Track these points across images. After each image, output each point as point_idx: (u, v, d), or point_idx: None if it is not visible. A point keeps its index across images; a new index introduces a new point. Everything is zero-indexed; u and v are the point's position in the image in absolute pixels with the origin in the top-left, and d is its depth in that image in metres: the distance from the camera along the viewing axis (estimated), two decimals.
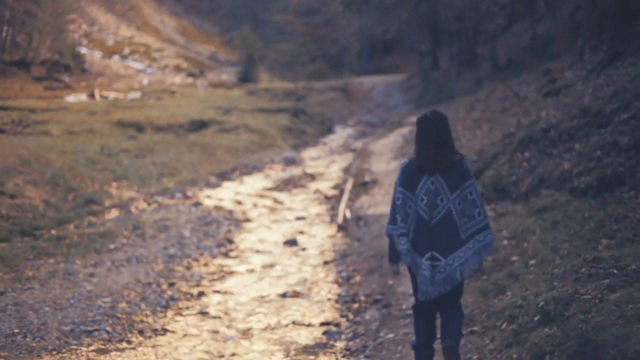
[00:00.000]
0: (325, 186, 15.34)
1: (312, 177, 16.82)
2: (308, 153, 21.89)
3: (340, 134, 27.54)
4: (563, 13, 28.17)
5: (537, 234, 6.86)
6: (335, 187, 15.10)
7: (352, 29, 43.44)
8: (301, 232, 10.83)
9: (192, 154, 17.76)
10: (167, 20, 54.48)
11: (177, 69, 44.18)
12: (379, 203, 12.06)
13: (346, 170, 17.66)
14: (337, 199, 13.63)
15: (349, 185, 14.30)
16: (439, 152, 4.21)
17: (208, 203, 12.86)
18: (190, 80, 40.15)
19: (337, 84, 37.90)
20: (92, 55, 42.59)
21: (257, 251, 9.57)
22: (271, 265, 8.72)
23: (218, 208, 12.43)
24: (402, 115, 29.01)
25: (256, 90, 35.65)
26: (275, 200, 13.56)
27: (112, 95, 31.07)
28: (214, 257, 9.05)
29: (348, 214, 11.73)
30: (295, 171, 17.77)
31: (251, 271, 8.49)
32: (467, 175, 4.26)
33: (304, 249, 9.66)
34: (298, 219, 11.92)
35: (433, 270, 4.20)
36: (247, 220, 11.68)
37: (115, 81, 38.02)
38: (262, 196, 14.04)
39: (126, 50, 45.02)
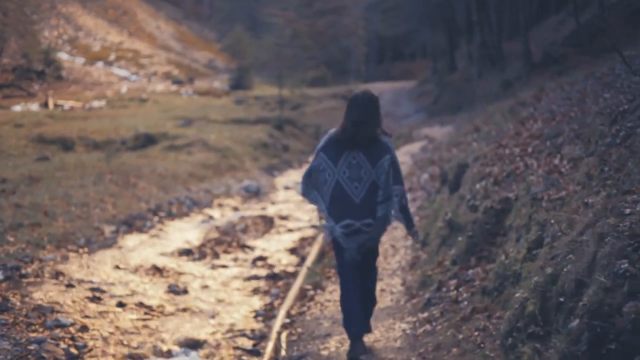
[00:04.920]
0: (280, 247, 8.72)
1: (271, 222, 10.23)
2: (285, 178, 15.30)
3: None
4: None
5: None
6: (295, 250, 8.47)
7: (356, 26, 36.66)
8: None
9: (97, 186, 11.23)
10: (164, 26, 48.20)
11: (167, 76, 37.86)
12: None
13: None
14: (290, 280, 7.01)
15: (310, 258, 7.55)
16: (360, 131, 4.11)
17: (33, 298, 6.25)
18: (174, 87, 33.77)
19: (339, 91, 31.22)
20: (74, 62, 36.47)
21: None
22: None
23: (37, 317, 5.84)
24: (412, 126, 22.49)
25: (245, 98, 29.15)
26: (173, 288, 6.91)
27: (68, 104, 24.75)
28: None
29: (284, 343, 5.07)
30: (250, 211, 11.19)
31: None
32: (386, 150, 4.19)
33: None
34: (184, 347, 5.32)
35: (357, 235, 4.16)
36: (73, 356, 5.07)
37: (90, 89, 31.77)
38: (157, 273, 7.43)
39: (112, 57, 38.81)
